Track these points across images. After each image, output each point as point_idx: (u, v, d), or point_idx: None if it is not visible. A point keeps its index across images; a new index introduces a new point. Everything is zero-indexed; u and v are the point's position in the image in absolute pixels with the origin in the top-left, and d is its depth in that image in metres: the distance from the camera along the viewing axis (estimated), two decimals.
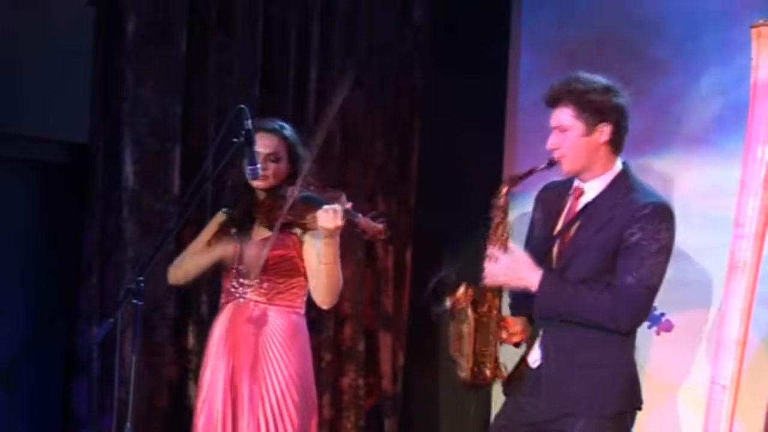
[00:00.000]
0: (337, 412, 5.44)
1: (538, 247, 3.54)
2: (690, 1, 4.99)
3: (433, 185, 5.62)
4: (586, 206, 3.48)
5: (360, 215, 3.75)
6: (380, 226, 3.74)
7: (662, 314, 4.90)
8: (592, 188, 3.49)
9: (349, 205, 3.75)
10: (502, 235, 3.48)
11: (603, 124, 3.44)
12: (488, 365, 3.51)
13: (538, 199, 3.65)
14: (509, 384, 3.58)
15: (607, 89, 3.45)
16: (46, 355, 4.78)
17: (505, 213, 3.49)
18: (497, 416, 3.66)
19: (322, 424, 5.27)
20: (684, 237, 4.82)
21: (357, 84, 4.00)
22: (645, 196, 3.46)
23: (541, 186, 3.70)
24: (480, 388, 3.62)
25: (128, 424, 3.43)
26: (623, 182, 3.48)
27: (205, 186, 3.96)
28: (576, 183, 3.52)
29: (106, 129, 4.81)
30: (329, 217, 3.68)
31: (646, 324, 4.92)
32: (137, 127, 4.81)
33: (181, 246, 4.42)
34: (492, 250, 3.45)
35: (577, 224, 3.46)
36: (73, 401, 4.78)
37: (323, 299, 3.93)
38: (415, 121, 5.72)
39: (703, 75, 4.90)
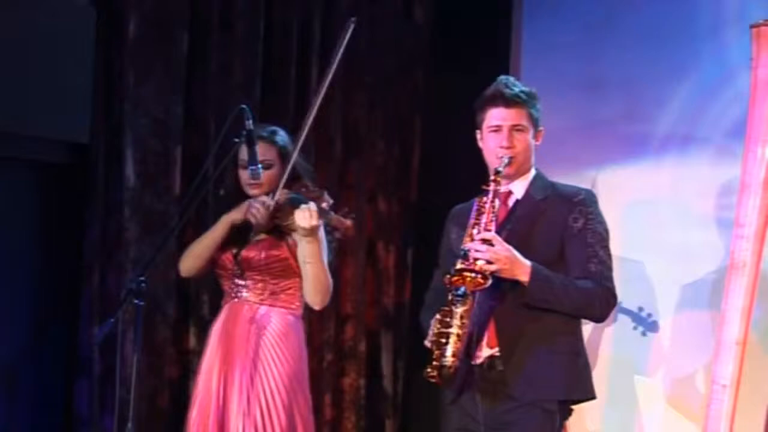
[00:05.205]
0: (338, 412, 5.45)
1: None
2: (687, 2, 5.00)
3: (433, 185, 5.61)
4: (517, 202, 3.54)
5: (332, 213, 3.86)
6: (349, 222, 3.82)
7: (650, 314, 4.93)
8: (517, 188, 3.56)
9: (325, 204, 3.83)
10: (489, 222, 3.45)
11: (539, 128, 3.58)
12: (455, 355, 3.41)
13: (452, 221, 3.69)
14: (453, 384, 3.47)
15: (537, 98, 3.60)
16: (47, 355, 4.78)
17: (493, 200, 3.46)
18: (446, 426, 3.61)
19: (323, 424, 5.28)
20: (684, 237, 4.87)
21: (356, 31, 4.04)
22: (568, 186, 3.59)
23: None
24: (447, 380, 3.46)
25: (129, 424, 3.43)
26: (541, 180, 3.59)
27: (206, 186, 3.97)
28: (501, 189, 3.52)
29: (107, 129, 4.81)
30: (305, 216, 3.77)
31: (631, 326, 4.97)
32: (138, 128, 4.81)
33: (182, 246, 4.41)
34: (491, 235, 3.37)
35: (512, 221, 3.50)
36: (74, 401, 4.77)
37: (312, 299, 3.96)
38: (416, 121, 5.72)
39: (702, 75, 4.90)
